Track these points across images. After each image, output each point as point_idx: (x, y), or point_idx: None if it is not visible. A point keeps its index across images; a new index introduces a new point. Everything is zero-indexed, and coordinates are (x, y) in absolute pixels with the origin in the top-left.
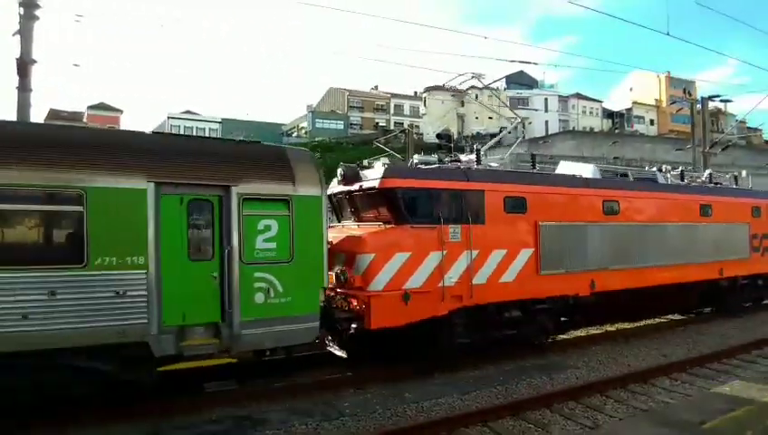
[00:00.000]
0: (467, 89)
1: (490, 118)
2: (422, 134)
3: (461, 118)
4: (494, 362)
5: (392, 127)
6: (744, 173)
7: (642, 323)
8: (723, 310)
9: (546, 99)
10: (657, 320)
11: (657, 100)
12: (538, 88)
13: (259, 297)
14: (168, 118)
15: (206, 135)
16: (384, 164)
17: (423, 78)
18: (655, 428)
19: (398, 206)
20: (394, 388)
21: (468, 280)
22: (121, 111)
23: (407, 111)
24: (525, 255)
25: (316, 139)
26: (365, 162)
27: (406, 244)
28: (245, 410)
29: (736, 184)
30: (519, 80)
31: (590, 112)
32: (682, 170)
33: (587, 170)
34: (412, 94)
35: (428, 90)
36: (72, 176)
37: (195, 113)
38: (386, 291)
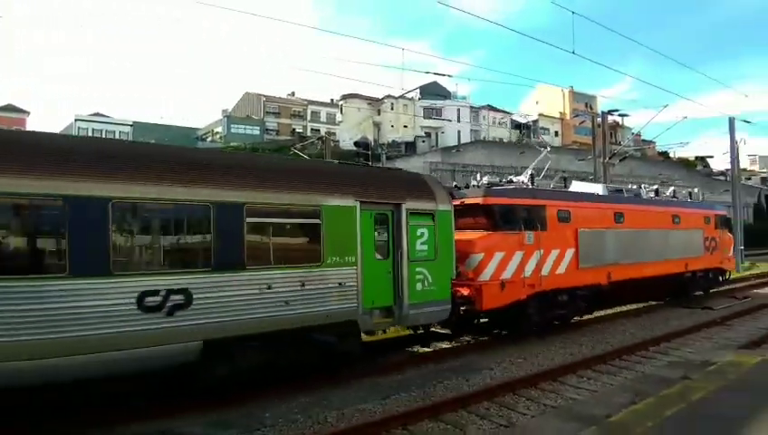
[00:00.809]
0: (383, 97)
1: (405, 126)
2: (338, 141)
3: (377, 126)
4: (414, 365)
5: (309, 133)
6: (696, 190)
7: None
8: (684, 296)
9: (458, 109)
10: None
11: (561, 113)
12: (451, 99)
13: (418, 287)
14: (76, 120)
15: (116, 137)
16: (482, 186)
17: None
18: (564, 423)
19: (495, 217)
20: (316, 396)
21: (538, 272)
22: (28, 113)
23: (323, 117)
24: (570, 253)
25: (231, 144)
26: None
27: (501, 245)
28: (164, 425)
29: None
30: (433, 90)
31: (500, 123)
32: (657, 188)
33: (598, 189)
34: (329, 102)
35: (345, 97)
36: (314, 197)
37: (105, 116)
38: (491, 281)
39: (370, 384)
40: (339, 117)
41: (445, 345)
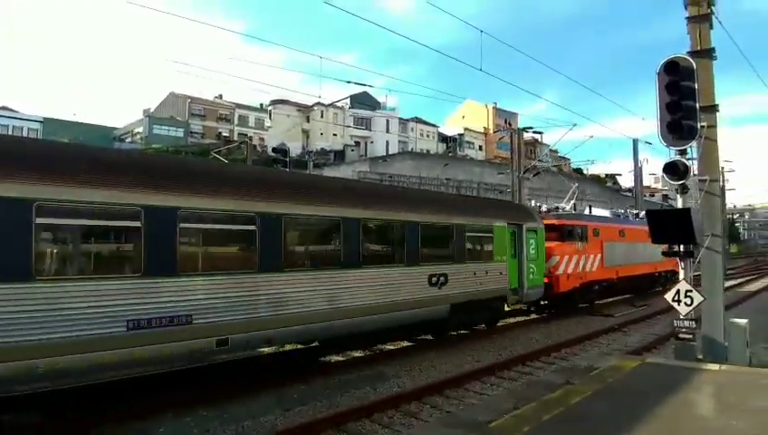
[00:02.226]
0: (313, 105)
1: (335, 135)
2: (266, 147)
3: (306, 133)
4: (321, 375)
5: (236, 138)
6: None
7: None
8: (652, 288)
9: (387, 120)
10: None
11: (485, 128)
12: (380, 109)
13: (530, 276)
14: None
15: (25, 135)
16: (555, 213)
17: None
18: (450, 429)
19: (563, 232)
20: (215, 409)
21: (584, 269)
22: None
23: (252, 122)
24: (599, 257)
25: (152, 145)
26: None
27: (567, 251)
28: None
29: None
30: (363, 100)
31: (427, 136)
32: (637, 212)
33: (606, 213)
34: (258, 106)
35: (274, 103)
36: (490, 220)
37: (12, 110)
38: (563, 273)
39: (275, 396)
40: (268, 122)
41: (357, 354)
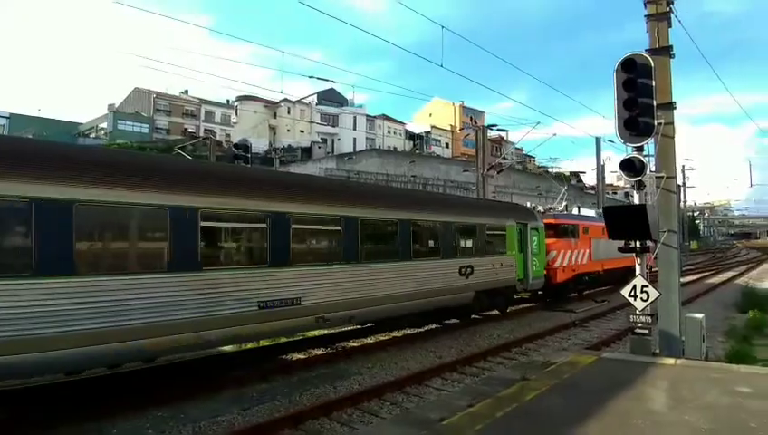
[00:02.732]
0: (280, 101)
1: (302, 131)
2: (232, 143)
3: (273, 129)
4: (283, 374)
5: (202, 134)
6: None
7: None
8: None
9: (355, 117)
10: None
11: (451, 126)
12: (347, 106)
13: (534, 268)
14: None
15: None
16: (552, 213)
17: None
18: (402, 428)
19: (559, 229)
20: (174, 408)
21: (576, 262)
22: None
23: (218, 118)
24: (587, 252)
25: (117, 141)
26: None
27: (562, 246)
28: None
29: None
30: (330, 97)
31: (394, 133)
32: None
33: (592, 212)
34: (224, 102)
35: (240, 99)
36: (503, 221)
37: None
38: (560, 266)
39: (233, 395)
40: (234, 118)
41: (319, 352)
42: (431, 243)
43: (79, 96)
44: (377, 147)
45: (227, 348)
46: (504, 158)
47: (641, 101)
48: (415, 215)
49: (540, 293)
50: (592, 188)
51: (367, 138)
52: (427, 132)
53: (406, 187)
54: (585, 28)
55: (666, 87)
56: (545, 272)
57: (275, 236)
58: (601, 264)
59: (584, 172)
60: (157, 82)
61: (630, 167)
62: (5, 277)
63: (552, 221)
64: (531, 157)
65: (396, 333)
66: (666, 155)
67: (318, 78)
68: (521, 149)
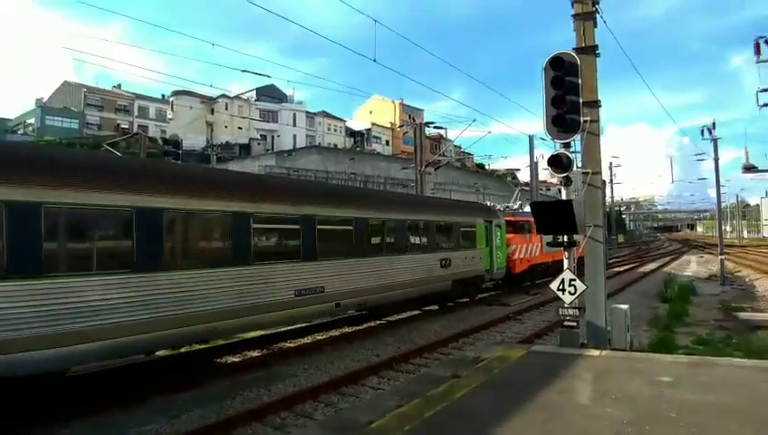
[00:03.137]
0: (217, 97)
1: (240, 128)
2: (182, 140)
3: (210, 126)
4: (215, 378)
5: (136, 130)
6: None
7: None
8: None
9: (294, 114)
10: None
11: (392, 123)
12: (287, 103)
13: (497, 261)
14: None
15: None
16: (510, 212)
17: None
18: (327, 432)
19: (517, 227)
20: (98, 420)
21: (531, 255)
22: None
23: (152, 114)
24: (539, 246)
25: (45, 137)
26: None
27: (520, 241)
28: None
29: None
30: (269, 93)
31: (335, 130)
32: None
33: None
34: (159, 97)
35: (176, 94)
36: (475, 219)
37: None
38: (518, 258)
39: (163, 402)
40: (169, 114)
41: (254, 354)
42: (420, 239)
43: (9, 91)
44: (317, 144)
45: (159, 353)
46: (443, 155)
47: (568, 98)
48: (409, 215)
49: (500, 282)
50: (527, 184)
51: (307, 135)
52: (368, 130)
53: (346, 184)
54: (519, 29)
55: (591, 85)
56: (506, 263)
57: (305, 235)
58: (552, 256)
59: (519, 169)
60: (89, 77)
61: (558, 163)
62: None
63: (511, 219)
64: (469, 154)
65: (334, 332)
66: (591, 152)
67: (254, 73)
68: (459, 147)
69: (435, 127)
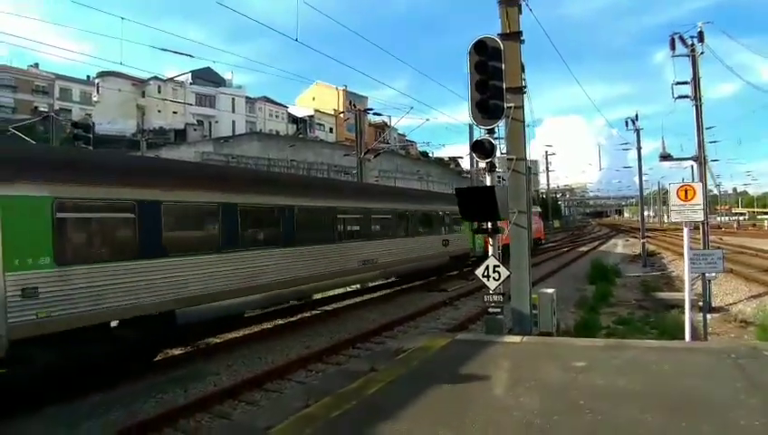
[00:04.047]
0: (149, 79)
1: (174, 113)
2: (94, 124)
3: (141, 110)
4: (128, 380)
5: (56, 114)
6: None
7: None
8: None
9: (233, 99)
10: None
11: (335, 110)
12: (225, 87)
13: (477, 242)
14: None
15: None
16: None
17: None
18: None
19: None
20: None
21: (503, 237)
22: None
23: (76, 96)
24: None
25: None
26: None
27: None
28: None
29: None
30: (206, 77)
31: (277, 116)
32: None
33: None
34: (84, 78)
35: (102, 75)
36: (436, 207)
37: None
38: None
39: (67, 412)
40: (95, 97)
41: (176, 352)
42: (431, 225)
43: None
44: (258, 130)
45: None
46: (386, 142)
47: (492, 83)
48: (425, 206)
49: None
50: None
51: (247, 121)
52: (311, 116)
53: (288, 172)
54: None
55: (516, 71)
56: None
57: (366, 221)
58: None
59: (461, 157)
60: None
61: (481, 148)
62: (273, 247)
63: None
64: (412, 142)
65: (266, 325)
66: (516, 138)
67: (175, 52)
68: (404, 135)
69: (374, 113)
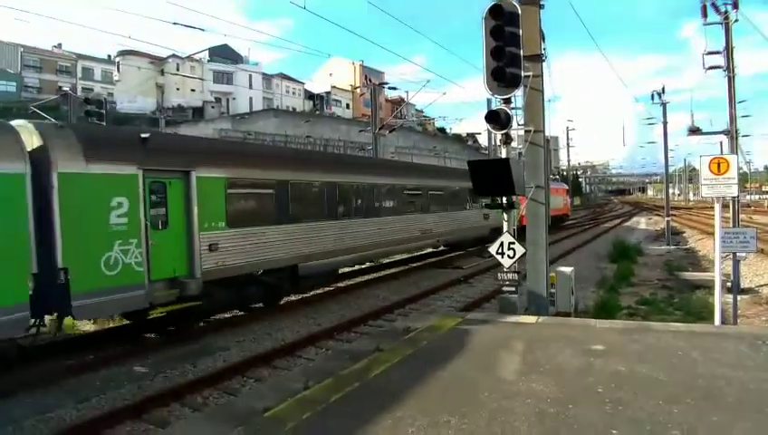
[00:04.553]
0: (168, 57)
1: (193, 90)
2: (115, 103)
3: (161, 88)
4: (141, 355)
5: (80, 93)
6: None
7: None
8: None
9: (251, 76)
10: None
11: (351, 86)
12: (242, 64)
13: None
14: None
15: None
16: None
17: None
18: (212, 424)
19: None
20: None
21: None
22: None
23: (98, 75)
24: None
25: None
26: None
27: (523, 201)
28: None
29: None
30: (223, 54)
31: (293, 93)
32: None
33: None
34: (105, 57)
35: (123, 54)
36: (463, 183)
37: None
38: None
39: (74, 384)
40: (116, 76)
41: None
42: (473, 200)
43: None
44: (275, 107)
45: (87, 327)
46: (402, 117)
47: (508, 50)
48: (467, 184)
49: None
50: (486, 148)
51: (264, 97)
52: (327, 93)
53: (305, 148)
54: None
55: (534, 38)
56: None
57: (424, 197)
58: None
59: (479, 133)
60: (32, 38)
61: (496, 119)
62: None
63: None
64: (430, 118)
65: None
66: (533, 108)
67: (186, 25)
68: (421, 111)
69: (389, 87)
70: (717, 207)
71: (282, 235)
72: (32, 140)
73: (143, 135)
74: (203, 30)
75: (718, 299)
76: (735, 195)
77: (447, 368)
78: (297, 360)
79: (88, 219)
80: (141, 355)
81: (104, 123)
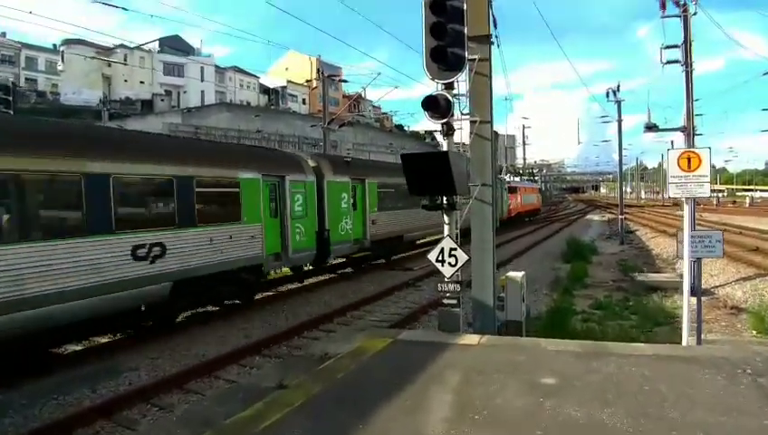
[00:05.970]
0: (115, 47)
1: (142, 82)
2: (59, 94)
3: (107, 80)
4: (34, 376)
5: (23, 84)
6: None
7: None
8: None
9: (203, 68)
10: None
11: (308, 80)
12: (194, 56)
13: (506, 208)
14: None
15: None
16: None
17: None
18: None
19: (511, 189)
20: None
21: (517, 207)
22: None
23: (42, 66)
24: (518, 200)
25: None
26: None
27: (513, 197)
28: None
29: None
30: (174, 45)
31: (248, 87)
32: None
33: (517, 179)
34: (50, 47)
35: (67, 43)
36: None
37: None
38: (513, 208)
39: None
40: (60, 66)
41: (103, 340)
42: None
43: None
44: (228, 101)
45: None
46: (359, 112)
47: (450, 27)
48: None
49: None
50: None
51: (217, 91)
52: (283, 87)
53: (260, 144)
54: None
55: (481, 16)
56: (509, 210)
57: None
58: (525, 207)
59: (438, 131)
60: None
61: (435, 106)
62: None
63: (510, 185)
64: (386, 114)
65: (209, 307)
66: (480, 96)
67: (104, 3)
68: (378, 108)
69: (340, 80)
70: (687, 208)
71: (399, 217)
72: (310, 164)
73: (347, 159)
74: (126, 9)
75: (686, 316)
76: (708, 195)
77: (359, 415)
78: (216, 382)
79: (335, 204)
80: (40, 376)
81: (11, 112)
